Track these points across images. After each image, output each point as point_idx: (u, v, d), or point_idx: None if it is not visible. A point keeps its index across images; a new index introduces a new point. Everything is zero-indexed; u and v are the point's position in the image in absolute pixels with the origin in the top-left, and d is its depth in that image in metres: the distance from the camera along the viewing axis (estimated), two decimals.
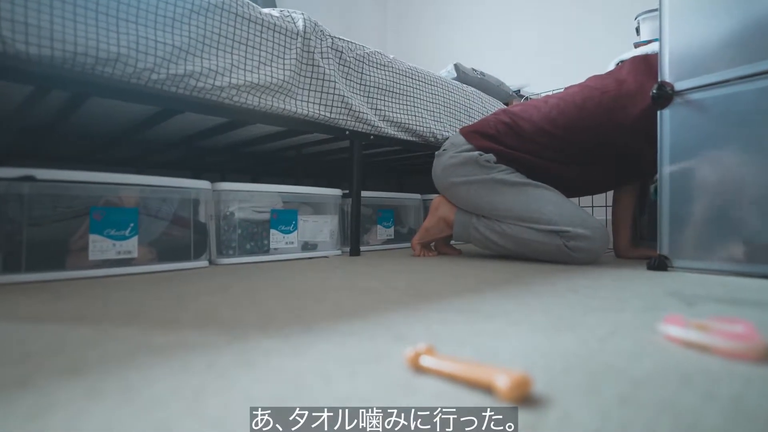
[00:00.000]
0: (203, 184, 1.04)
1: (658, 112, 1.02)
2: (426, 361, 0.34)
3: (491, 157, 1.21)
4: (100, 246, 0.87)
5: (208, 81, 0.99)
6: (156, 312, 0.55)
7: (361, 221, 1.44)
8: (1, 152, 1.47)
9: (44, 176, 0.82)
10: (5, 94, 0.91)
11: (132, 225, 0.91)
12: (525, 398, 0.29)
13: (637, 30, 1.60)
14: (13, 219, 0.80)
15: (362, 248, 1.42)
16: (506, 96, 2.07)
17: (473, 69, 1.95)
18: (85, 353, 0.39)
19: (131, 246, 0.91)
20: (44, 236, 0.83)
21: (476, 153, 1.22)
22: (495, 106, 1.92)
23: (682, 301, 0.63)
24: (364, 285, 0.77)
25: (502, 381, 0.29)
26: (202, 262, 1.03)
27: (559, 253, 1.10)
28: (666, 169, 1.00)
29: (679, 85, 0.99)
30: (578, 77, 1.92)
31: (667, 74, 1.01)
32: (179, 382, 0.32)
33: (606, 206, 1.73)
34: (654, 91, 1.00)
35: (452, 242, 1.46)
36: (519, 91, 2.16)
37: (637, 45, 1.51)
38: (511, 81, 2.22)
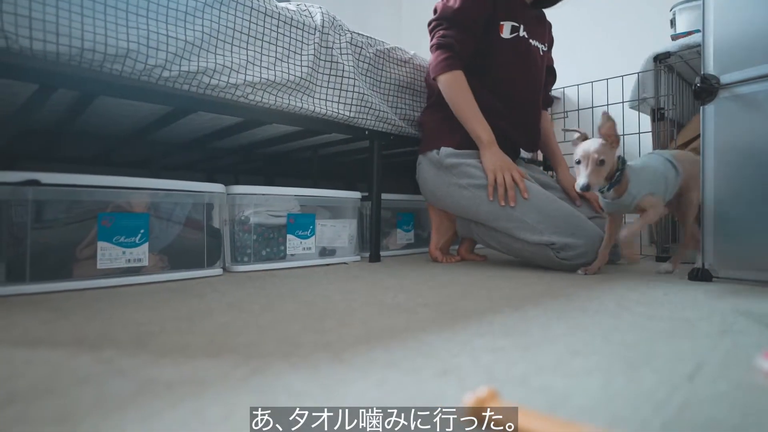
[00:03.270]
0: (217, 188, 0.98)
1: (701, 108, 0.94)
2: (496, 415, 0.28)
3: (448, 150, 1.14)
4: (109, 254, 0.82)
5: (222, 78, 0.93)
6: (165, 335, 0.49)
7: (381, 225, 1.38)
8: (6, 154, 1.44)
9: (50, 180, 0.76)
10: (10, 93, 0.86)
11: (142, 231, 0.86)
12: None
13: (672, 22, 1.51)
14: (17, 226, 0.75)
15: (382, 253, 1.36)
16: None
17: None
18: (79, 393, 0.33)
19: (141, 253, 0.86)
20: (50, 244, 0.78)
21: (434, 152, 1.16)
22: None
23: (760, 323, 0.55)
24: (391, 300, 0.70)
25: None
26: (216, 270, 0.97)
27: (550, 262, 1.04)
28: (710, 170, 0.92)
29: (725, 78, 0.91)
30: (606, 72, 1.84)
31: (711, 66, 0.92)
32: None
33: None
34: (697, 84, 0.92)
35: (475, 249, 1.39)
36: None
37: (674, 38, 1.42)
38: None
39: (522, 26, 1.17)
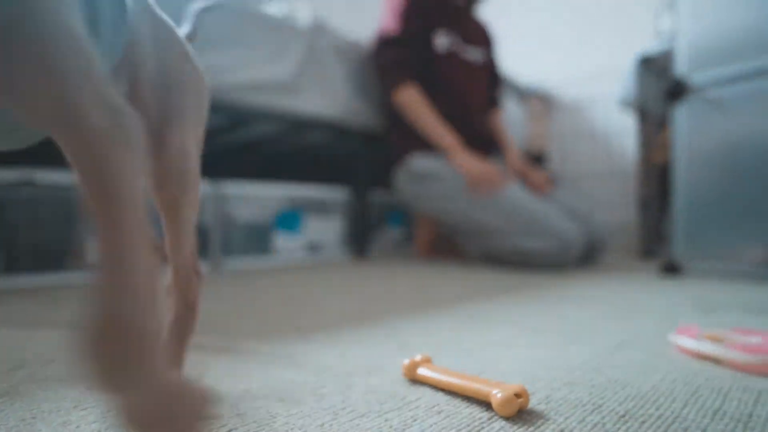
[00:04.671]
0: (204, 187, 1.04)
1: (673, 109, 0.99)
2: (423, 372, 0.33)
3: (419, 159, 1.19)
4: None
5: (211, 79, 0.98)
6: None
7: (369, 222, 1.43)
8: (6, 154, 1.49)
9: (44, 180, 0.82)
10: None
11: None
12: (521, 413, 0.28)
13: (659, 21, 1.56)
14: (13, 222, 0.80)
15: (370, 250, 1.41)
16: (520, 93, 2.04)
17: None
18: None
19: None
20: (44, 239, 0.83)
21: (406, 163, 1.22)
22: (508, 104, 1.89)
23: (700, 309, 0.61)
24: (370, 291, 0.75)
25: (497, 394, 0.27)
26: (204, 267, 1.02)
27: (522, 262, 1.07)
28: (681, 167, 0.97)
29: (695, 79, 0.96)
30: (593, 69, 1.88)
31: (682, 67, 0.98)
32: None
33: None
34: (668, 86, 0.97)
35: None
36: (534, 87, 2.13)
37: (659, 36, 1.46)
38: (524, 78, 2.18)
39: (455, 35, 1.24)
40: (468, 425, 0.27)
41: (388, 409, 0.29)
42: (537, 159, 1.80)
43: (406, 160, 1.21)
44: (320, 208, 1.29)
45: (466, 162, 1.12)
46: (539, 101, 2.16)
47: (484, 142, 1.31)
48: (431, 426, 0.27)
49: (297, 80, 1.13)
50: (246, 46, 1.04)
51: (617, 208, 1.67)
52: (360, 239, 1.34)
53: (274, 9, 1.13)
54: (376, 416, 0.28)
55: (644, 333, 0.48)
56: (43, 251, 0.81)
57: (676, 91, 0.96)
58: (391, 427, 0.26)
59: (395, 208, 1.56)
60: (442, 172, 1.15)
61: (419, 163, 1.19)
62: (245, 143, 1.52)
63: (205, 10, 0.40)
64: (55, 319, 0.54)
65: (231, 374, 0.36)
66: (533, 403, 0.30)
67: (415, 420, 0.27)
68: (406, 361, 0.34)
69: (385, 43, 1.20)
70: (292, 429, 0.26)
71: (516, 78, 2.08)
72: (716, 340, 0.40)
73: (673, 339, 0.42)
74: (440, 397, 0.31)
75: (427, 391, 0.32)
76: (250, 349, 0.42)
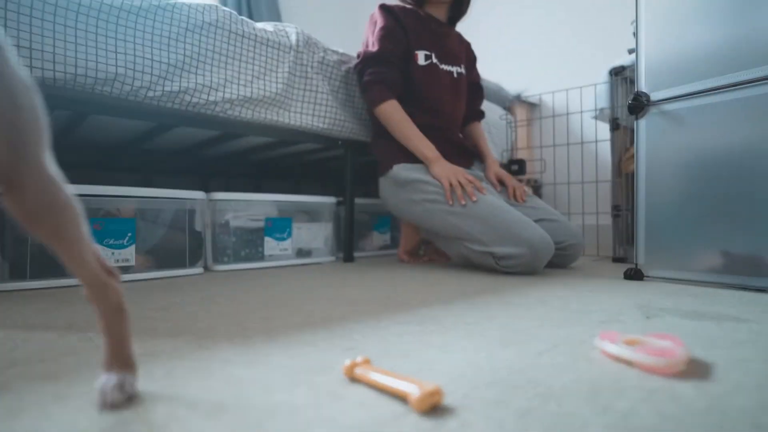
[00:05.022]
0: (198, 195, 1.09)
1: (635, 122, 1.04)
2: (359, 372, 0.38)
3: (401, 167, 1.24)
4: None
5: (202, 96, 1.03)
6: (139, 322, 0.60)
7: (357, 228, 1.48)
8: None
9: None
10: None
11: (130, 234, 0.97)
12: (433, 408, 0.33)
13: (635, 35, 1.61)
14: (18, 230, 0.85)
15: (358, 254, 1.46)
16: (505, 101, 2.09)
17: None
18: (65, 361, 0.44)
19: (129, 254, 0.96)
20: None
21: (389, 172, 1.26)
22: (494, 112, 1.93)
23: (643, 314, 0.65)
24: (345, 294, 0.80)
25: (414, 392, 0.32)
26: (197, 269, 1.08)
27: (494, 269, 1.12)
28: (642, 177, 1.01)
29: (654, 96, 1.01)
30: (575, 80, 1.93)
31: (643, 84, 1.03)
32: (138, 389, 0.37)
33: (583, 213, 1.74)
34: (630, 101, 1.02)
35: None
36: (519, 95, 2.18)
37: (631, 51, 1.51)
38: (511, 86, 2.23)
39: (434, 54, 1.31)
40: (385, 418, 0.31)
41: (322, 404, 0.34)
42: (519, 165, 1.85)
43: (390, 169, 1.26)
44: (310, 214, 1.34)
45: (444, 171, 1.17)
46: (524, 109, 2.20)
47: (465, 153, 1.36)
48: (354, 417, 0.31)
49: (285, 94, 1.18)
50: (237, 62, 1.09)
51: (595, 213, 1.71)
52: (347, 244, 1.39)
53: (262, 27, 1.18)
54: (310, 409, 0.33)
55: (577, 337, 0.53)
56: (48, 258, 0.87)
57: (637, 105, 1.01)
58: (320, 417, 0.31)
59: (382, 213, 1.61)
60: (423, 180, 1.20)
61: (401, 172, 1.24)
62: (236, 152, 1.57)
63: None
64: (53, 322, 0.59)
65: (193, 371, 0.41)
66: (450, 401, 0.35)
67: (342, 412, 0.32)
68: (347, 362, 0.39)
69: (367, 61, 1.25)
70: (240, 416, 0.31)
71: (501, 86, 2.13)
72: (633, 343, 0.45)
73: (597, 343, 0.47)
74: (370, 394, 0.36)
75: (361, 390, 0.37)
76: (219, 349, 0.47)
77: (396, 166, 1.25)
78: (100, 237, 0.93)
